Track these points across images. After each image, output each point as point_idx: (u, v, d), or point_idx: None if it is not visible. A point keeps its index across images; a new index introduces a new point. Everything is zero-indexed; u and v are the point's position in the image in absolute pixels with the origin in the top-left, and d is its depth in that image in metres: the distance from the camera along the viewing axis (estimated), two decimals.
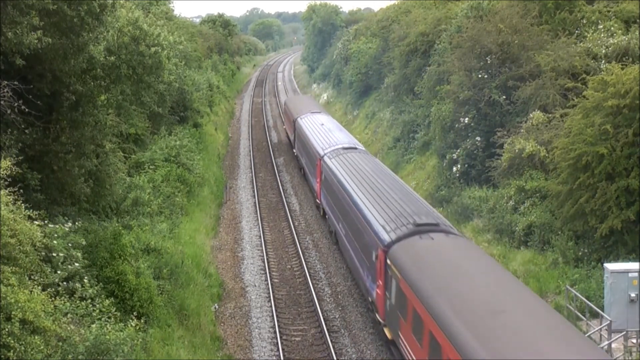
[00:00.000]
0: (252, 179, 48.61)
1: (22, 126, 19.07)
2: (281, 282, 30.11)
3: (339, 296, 28.46)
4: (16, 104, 17.97)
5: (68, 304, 16.09)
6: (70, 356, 14.27)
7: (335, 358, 23.18)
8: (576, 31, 37.50)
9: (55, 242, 17.87)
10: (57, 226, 18.97)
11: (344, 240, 29.42)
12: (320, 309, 26.89)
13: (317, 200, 38.64)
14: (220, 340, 24.58)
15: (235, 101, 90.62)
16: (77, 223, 20.28)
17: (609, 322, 21.08)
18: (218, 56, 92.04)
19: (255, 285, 29.77)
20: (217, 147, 56.58)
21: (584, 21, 37.69)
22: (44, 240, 16.46)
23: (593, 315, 22.41)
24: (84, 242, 19.43)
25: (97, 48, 21.61)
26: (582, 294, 23.21)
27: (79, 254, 18.56)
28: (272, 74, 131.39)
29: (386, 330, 22.17)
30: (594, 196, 25.84)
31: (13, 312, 13.06)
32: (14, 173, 16.37)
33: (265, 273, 30.84)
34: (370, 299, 24.51)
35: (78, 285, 17.52)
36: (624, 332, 21.43)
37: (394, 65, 58.46)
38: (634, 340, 21.53)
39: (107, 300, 17.82)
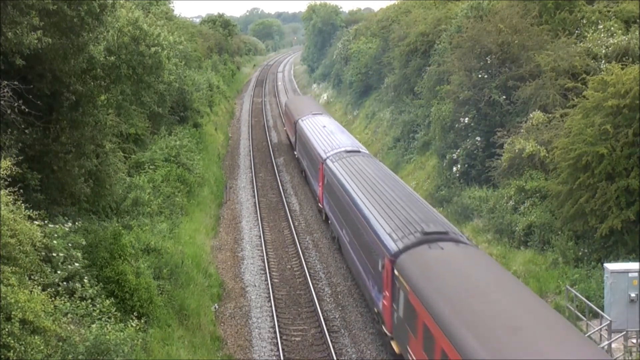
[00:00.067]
0: (252, 179, 48.61)
1: (22, 126, 19.07)
2: (281, 282, 30.11)
3: (339, 296, 28.46)
4: (16, 104, 17.97)
5: (68, 304, 16.09)
6: (70, 356, 14.26)
7: (335, 358, 23.17)
8: (576, 31, 37.51)
9: (55, 242, 17.87)
10: (57, 226, 18.97)
11: (348, 247, 28.61)
12: (320, 309, 26.89)
13: (320, 204, 37.75)
14: (220, 340, 24.58)
15: (235, 101, 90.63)
16: (77, 223, 20.29)
17: (609, 322, 21.08)
18: (218, 56, 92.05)
19: (255, 285, 29.77)
20: (217, 147, 56.58)
21: (584, 21, 37.70)
22: (44, 240, 16.46)
23: (593, 315, 22.40)
24: (84, 242, 19.43)
25: (97, 48, 21.61)
26: (582, 294, 23.20)
27: (79, 254, 18.56)
28: (272, 74, 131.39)
29: (393, 344, 21.31)
30: (594, 196, 25.84)
31: (13, 312, 13.06)
32: (14, 173, 16.37)
33: (265, 273, 30.84)
34: (376, 309, 23.64)
35: (78, 285, 17.52)
36: (624, 332, 21.43)
37: (394, 65, 58.46)
38: (634, 340, 21.53)
39: (107, 301, 17.83)
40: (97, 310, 16.89)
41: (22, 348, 12.83)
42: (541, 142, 31.54)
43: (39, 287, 14.75)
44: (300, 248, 33.92)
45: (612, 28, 35.34)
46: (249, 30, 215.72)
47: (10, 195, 15.50)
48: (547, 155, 30.62)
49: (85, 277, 18.10)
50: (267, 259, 32.57)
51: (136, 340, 17.42)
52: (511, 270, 26.68)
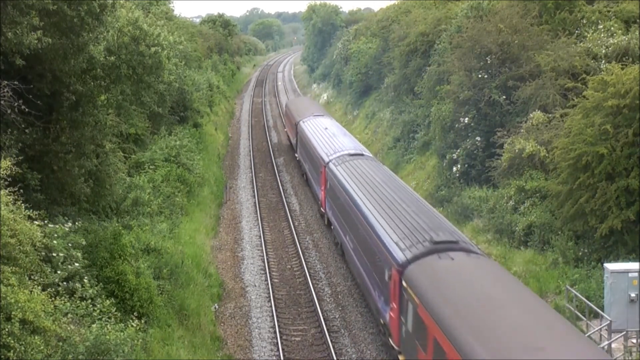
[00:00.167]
0: (252, 179, 48.61)
1: (22, 126, 19.07)
2: (281, 282, 30.11)
3: (339, 296, 28.46)
4: (16, 104, 17.98)
5: (68, 304, 16.09)
6: (70, 356, 14.26)
7: (335, 358, 23.17)
8: (576, 31, 37.51)
9: (55, 242, 17.87)
10: (57, 226, 18.97)
11: (352, 254, 27.67)
12: (320, 309, 26.89)
13: (322, 209, 36.78)
14: (220, 340, 24.58)
15: (235, 101, 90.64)
16: (77, 223, 20.29)
17: (609, 322, 21.07)
18: (218, 56, 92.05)
19: (255, 285, 29.77)
20: (217, 147, 56.59)
21: (584, 21, 37.70)
22: (44, 240, 16.46)
23: (593, 315, 22.40)
24: (84, 242, 19.43)
25: (97, 48, 21.61)
26: (582, 294, 23.20)
27: (79, 254, 18.56)
28: (272, 74, 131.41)
29: (401, 358, 20.51)
30: (594, 196, 25.85)
31: (13, 312, 13.06)
32: (14, 173, 16.37)
33: (265, 273, 30.84)
34: (382, 321, 22.66)
35: (78, 285, 17.52)
36: (624, 332, 21.43)
37: (394, 65, 58.46)
38: (634, 340, 21.53)
39: (107, 301, 17.84)
40: (97, 311, 16.89)
41: (22, 348, 12.83)
42: (541, 142, 31.54)
43: (39, 287, 14.76)
44: (300, 248, 33.92)
45: (612, 28, 35.34)
46: (249, 30, 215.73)
47: (10, 195, 15.50)
48: (547, 155, 30.62)
49: (85, 277, 18.10)
50: (267, 259, 32.57)
51: (136, 340, 17.42)
52: (511, 271, 26.68)
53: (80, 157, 21.69)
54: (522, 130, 33.30)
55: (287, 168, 52.50)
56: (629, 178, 25.23)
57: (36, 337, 13.24)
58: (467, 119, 37.88)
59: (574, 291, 23.24)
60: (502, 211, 31.66)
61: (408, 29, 56.46)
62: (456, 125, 38.80)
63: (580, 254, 26.51)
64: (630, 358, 20.99)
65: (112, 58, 22.10)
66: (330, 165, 34.11)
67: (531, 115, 33.43)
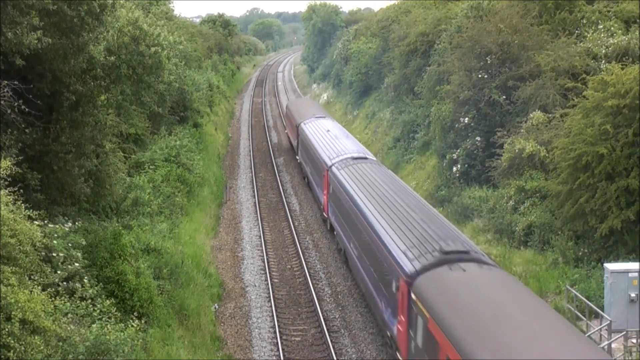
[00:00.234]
0: (252, 179, 48.61)
1: (22, 126, 19.07)
2: (281, 282, 30.11)
3: (339, 296, 28.46)
4: (16, 104, 17.98)
5: (68, 304, 16.09)
6: (70, 356, 14.27)
7: (335, 358, 23.17)
8: (576, 31, 37.52)
9: (55, 242, 17.87)
10: (57, 226, 18.97)
11: (356, 262, 26.77)
12: (320, 309, 26.89)
13: (324, 213, 35.80)
14: (220, 340, 24.58)
15: (235, 101, 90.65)
16: (77, 223, 20.29)
17: (609, 322, 21.07)
18: (218, 56, 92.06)
19: (255, 285, 29.76)
20: (217, 147, 56.59)
21: (584, 21, 37.71)
22: (44, 240, 16.46)
23: (593, 315, 22.40)
24: (84, 242, 19.43)
25: (97, 48, 21.61)
26: (582, 294, 23.20)
27: (79, 254, 18.56)
28: (272, 74, 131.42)
29: None
30: (594, 196, 25.85)
31: (13, 312, 13.06)
32: (14, 173, 16.37)
33: (265, 273, 30.84)
34: (389, 333, 21.68)
35: (78, 285, 17.52)
36: (624, 332, 21.43)
37: (394, 65, 58.47)
38: (634, 340, 21.53)
39: (107, 301, 17.84)
40: (97, 311, 16.90)
41: (22, 348, 12.83)
42: (541, 142, 31.55)
43: (39, 287, 14.76)
44: (300, 248, 33.92)
45: (612, 28, 35.35)
46: (249, 30, 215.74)
47: (10, 195, 15.50)
48: (547, 155, 30.63)
49: (85, 277, 18.10)
50: (267, 259, 32.57)
51: (136, 340, 17.42)
52: (511, 271, 26.69)
53: (80, 157, 21.69)
54: (522, 130, 33.31)
55: (287, 168, 52.50)
56: (629, 178, 25.23)
57: (36, 337, 13.24)
58: (467, 119, 37.88)
59: (574, 291, 23.24)
60: (502, 211, 31.67)
61: (408, 29, 56.46)
62: (456, 125, 38.81)
63: (580, 254, 26.51)
64: (630, 358, 20.99)
65: (112, 58, 22.10)
66: (333, 169, 33.11)
67: (531, 115, 33.44)
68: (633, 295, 21.91)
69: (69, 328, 14.89)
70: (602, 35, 35.11)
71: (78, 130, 21.59)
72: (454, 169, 38.26)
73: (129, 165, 32.77)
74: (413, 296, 18.39)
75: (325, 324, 25.50)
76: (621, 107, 26.11)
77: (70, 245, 18.61)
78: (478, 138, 37.19)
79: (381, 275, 22.27)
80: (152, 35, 23.65)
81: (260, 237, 35.97)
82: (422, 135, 47.57)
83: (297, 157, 49.94)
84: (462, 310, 16.15)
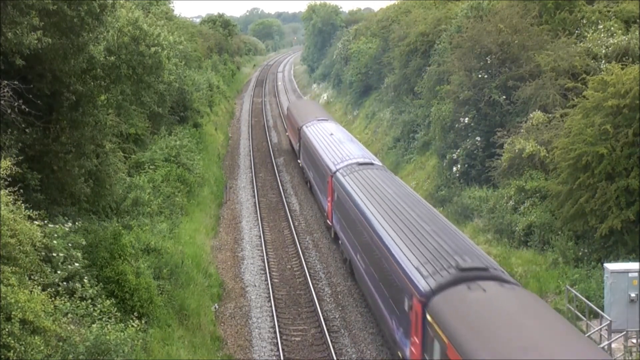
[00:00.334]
0: (252, 179, 48.61)
1: (22, 126, 19.08)
2: (281, 282, 30.11)
3: (339, 296, 28.46)
4: (16, 104, 17.98)
5: (68, 304, 16.10)
6: (70, 356, 14.26)
7: (335, 358, 23.17)
8: (576, 31, 37.52)
9: (55, 242, 17.87)
10: (57, 226, 18.97)
11: (363, 275, 25.50)
12: (320, 309, 26.89)
13: (328, 221, 34.47)
14: (220, 340, 24.59)
15: (235, 101, 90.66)
16: (77, 223, 20.29)
17: (609, 322, 21.07)
18: (218, 56, 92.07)
19: (255, 285, 29.77)
20: (217, 147, 56.59)
21: (584, 21, 37.70)
22: (44, 240, 16.46)
23: (593, 315, 22.40)
24: (84, 242, 19.44)
25: (97, 48, 21.62)
26: (582, 294, 23.20)
27: (79, 254, 18.57)
28: (272, 74, 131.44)
29: None
30: (594, 196, 25.85)
31: (13, 312, 13.06)
32: (14, 173, 16.37)
33: (265, 273, 30.85)
34: (400, 354, 20.37)
35: (78, 285, 17.52)
36: (624, 332, 21.42)
37: (394, 65, 58.47)
38: (634, 340, 21.53)
39: (107, 301, 17.84)
40: (97, 311, 16.90)
41: (22, 348, 12.83)
42: (541, 142, 31.55)
43: (39, 287, 14.76)
44: (300, 248, 33.92)
45: (612, 28, 35.34)
46: (249, 30, 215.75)
47: (10, 195, 15.50)
48: (547, 155, 30.62)
49: (85, 277, 18.10)
50: (267, 259, 32.57)
51: (136, 340, 17.42)
52: (512, 271, 26.68)
53: (80, 157, 21.69)
54: (522, 130, 33.30)
55: (287, 168, 52.51)
56: (629, 178, 25.23)
57: (36, 337, 13.24)
58: (467, 119, 37.88)
59: (574, 291, 23.23)
60: (502, 211, 31.67)
61: (408, 29, 56.47)
62: (456, 125, 38.80)
63: (580, 254, 26.51)
64: (630, 358, 20.98)
65: (112, 58, 22.10)
66: (338, 175, 31.79)
67: (531, 115, 33.43)
68: (633, 295, 21.91)
69: (69, 328, 14.89)
70: (602, 35, 35.10)
71: (78, 130, 21.59)
72: (454, 169, 38.26)
73: (129, 165, 32.78)
74: (429, 318, 17.11)
75: (325, 324, 25.50)
76: (621, 107, 26.11)
77: (70, 245, 18.61)
78: (478, 138, 37.19)
79: (392, 292, 20.95)
80: (152, 35, 23.65)
81: (260, 237, 35.98)
82: (422, 135, 47.57)
83: (299, 161, 48.52)
84: (488, 340, 14.65)
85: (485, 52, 37.76)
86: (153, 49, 23.35)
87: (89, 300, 17.16)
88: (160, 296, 22.65)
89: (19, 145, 19.01)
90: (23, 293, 13.61)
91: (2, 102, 17.75)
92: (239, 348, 24.29)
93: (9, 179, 16.05)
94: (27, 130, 19.44)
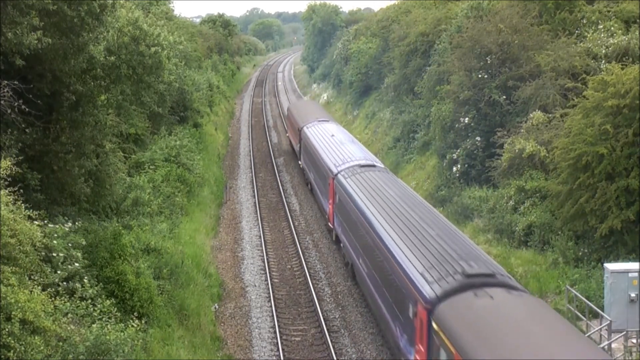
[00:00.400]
0: (252, 179, 48.61)
1: (22, 126, 19.08)
2: (281, 282, 30.11)
3: (339, 296, 28.46)
4: (16, 104, 17.98)
5: (68, 304, 16.10)
6: (70, 356, 14.27)
7: (335, 358, 23.17)
8: (576, 31, 37.53)
9: (55, 242, 17.87)
10: (57, 226, 18.97)
11: (366, 280, 25.06)
12: (320, 309, 26.89)
13: (330, 224, 34.01)
14: (220, 340, 24.58)
15: (235, 101, 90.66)
16: (77, 223, 20.29)
17: (609, 322, 21.07)
18: (218, 56, 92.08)
19: (255, 285, 29.77)
20: (217, 147, 56.60)
21: (584, 21, 37.72)
22: (44, 240, 16.46)
23: (593, 315, 22.40)
24: (84, 242, 19.44)
25: (97, 48, 21.62)
26: (582, 294, 23.20)
27: (79, 254, 18.57)
28: (272, 74, 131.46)
29: None
30: (594, 196, 25.85)
31: (13, 312, 13.06)
32: (14, 173, 16.37)
33: (265, 273, 30.84)
34: None
35: (78, 285, 17.53)
36: (624, 332, 21.43)
37: (394, 65, 58.48)
38: (634, 340, 21.53)
39: (107, 301, 17.84)
40: (97, 311, 16.90)
41: (22, 348, 12.83)
42: (541, 142, 31.55)
43: (39, 287, 14.76)
44: (300, 248, 33.92)
45: (612, 28, 35.35)
46: (249, 30, 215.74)
47: (10, 195, 15.50)
48: (547, 155, 30.63)
49: (85, 277, 18.11)
50: (267, 259, 32.57)
51: (136, 340, 17.42)
52: (512, 271, 26.68)
53: (80, 157, 21.69)
54: (522, 130, 33.31)
55: (287, 168, 52.51)
56: (629, 178, 25.24)
57: (36, 337, 13.24)
58: (467, 119, 37.89)
59: (574, 291, 23.24)
60: (502, 211, 31.67)
61: (408, 29, 56.47)
62: (456, 125, 38.81)
63: (580, 254, 26.51)
64: (630, 358, 20.99)
65: (112, 58, 22.10)
66: (339, 177, 31.26)
67: (531, 115, 33.44)
68: (633, 295, 21.91)
69: (69, 328, 14.89)
70: (602, 35, 35.11)
71: (78, 130, 21.59)
72: (454, 169, 38.26)
73: (129, 165, 32.78)
74: (434, 325, 16.66)
75: (325, 324, 25.50)
76: (621, 107, 26.11)
77: (70, 245, 18.62)
78: (478, 138, 37.20)
79: (395, 298, 20.47)
80: (152, 35, 23.65)
81: (260, 237, 35.98)
82: (422, 135, 47.57)
83: (300, 162, 48.17)
84: (497, 349, 14.20)
85: (485, 52, 37.77)
86: (153, 49, 23.35)
87: (89, 300, 17.17)
88: (160, 296, 22.64)
89: (19, 145, 19.01)
90: (23, 293, 13.61)
91: (2, 102, 17.75)
92: (239, 348, 24.29)
93: (9, 179, 16.05)
94: (27, 130, 19.44)
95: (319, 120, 47.10)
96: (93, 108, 22.27)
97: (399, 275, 19.89)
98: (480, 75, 37.59)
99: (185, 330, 23.15)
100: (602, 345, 20.38)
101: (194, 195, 38.44)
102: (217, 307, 27.30)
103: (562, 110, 31.58)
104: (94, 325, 15.69)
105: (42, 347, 13.25)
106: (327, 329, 25.11)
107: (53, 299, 15.29)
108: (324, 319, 25.96)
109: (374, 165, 32.28)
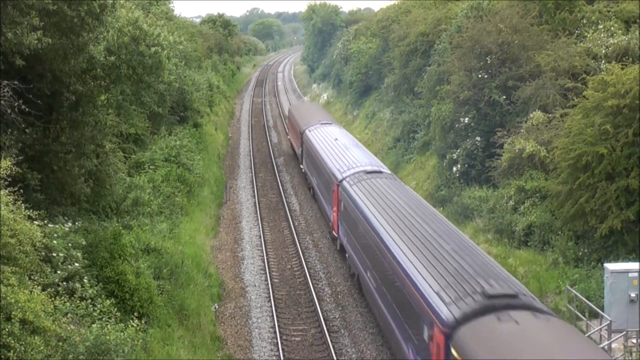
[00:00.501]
0: (252, 179, 48.62)
1: (22, 126, 19.08)
2: (281, 282, 30.11)
3: (339, 296, 28.46)
4: (16, 104, 17.99)
5: (68, 304, 16.10)
6: (70, 356, 14.26)
7: (335, 358, 23.17)
8: (576, 31, 37.53)
9: (55, 242, 17.88)
10: (57, 226, 18.98)
11: (374, 294, 23.70)
12: (320, 309, 26.89)
13: (334, 232, 32.61)
14: (220, 340, 24.58)
15: (235, 101, 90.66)
16: (77, 223, 20.30)
17: (609, 322, 21.07)
18: (218, 56, 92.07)
19: (255, 285, 29.77)
20: (217, 147, 56.60)
21: (584, 21, 37.72)
22: (44, 240, 16.46)
23: (593, 315, 22.41)
24: (84, 242, 19.44)
25: (97, 48, 21.62)
26: (582, 294, 23.20)
27: (79, 254, 18.57)
28: (272, 74, 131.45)
29: None
30: (594, 196, 25.85)
31: (13, 312, 13.06)
32: (14, 173, 16.38)
33: (265, 273, 30.84)
34: None
35: (78, 285, 17.53)
36: (624, 332, 21.43)
37: (394, 65, 58.48)
38: (634, 340, 21.53)
39: (107, 301, 17.84)
40: (97, 311, 16.90)
41: (22, 348, 12.83)
42: (541, 142, 31.55)
43: (39, 287, 14.76)
44: (300, 248, 33.92)
45: (612, 28, 35.35)
46: (249, 30, 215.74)
47: (10, 195, 15.51)
48: (547, 155, 30.63)
49: (85, 277, 18.11)
50: (267, 259, 32.57)
51: (136, 340, 17.42)
52: (512, 271, 26.68)
53: (80, 157, 21.70)
54: (522, 130, 33.31)
55: (287, 168, 52.51)
56: (629, 178, 25.23)
57: (36, 337, 13.24)
58: (467, 119, 37.89)
59: (574, 291, 23.23)
60: (502, 211, 31.67)
61: (408, 29, 56.47)
62: (456, 125, 38.81)
63: (580, 254, 26.51)
64: (630, 358, 20.98)
65: (112, 58, 22.11)
66: (344, 184, 29.85)
67: (531, 115, 33.44)
68: (633, 295, 21.91)
69: (69, 328, 14.89)
70: (602, 35, 35.11)
71: (78, 130, 21.60)
72: (454, 169, 38.26)
73: (129, 165, 32.79)
74: (454, 352, 15.23)
75: (325, 324, 25.50)
76: (621, 107, 26.11)
77: (70, 245, 18.62)
78: (478, 138, 37.20)
79: (408, 317, 19.12)
80: (152, 35, 23.65)
81: (260, 237, 35.98)
82: (422, 135, 47.57)
83: (302, 167, 46.77)
84: None
85: (485, 52, 37.77)
86: (153, 49, 23.36)
87: (89, 300, 17.17)
88: (160, 296, 22.64)
89: (19, 145, 19.02)
90: (23, 293, 13.61)
91: (2, 102, 17.75)
92: (239, 348, 24.29)
93: (9, 179, 16.05)
94: (27, 130, 19.44)
95: (322, 123, 45.64)
96: (93, 108, 22.27)
97: (412, 293, 18.49)
98: (480, 75, 37.60)
99: (185, 330, 23.15)
100: (602, 345, 20.38)
101: (194, 195, 38.45)
102: (217, 307, 27.30)
103: (562, 110, 31.58)
104: (94, 325, 15.69)
105: (42, 347, 13.25)
106: (327, 329, 25.11)
107: (53, 299, 15.28)
108: (324, 319, 25.96)
109: (380, 172, 30.87)
